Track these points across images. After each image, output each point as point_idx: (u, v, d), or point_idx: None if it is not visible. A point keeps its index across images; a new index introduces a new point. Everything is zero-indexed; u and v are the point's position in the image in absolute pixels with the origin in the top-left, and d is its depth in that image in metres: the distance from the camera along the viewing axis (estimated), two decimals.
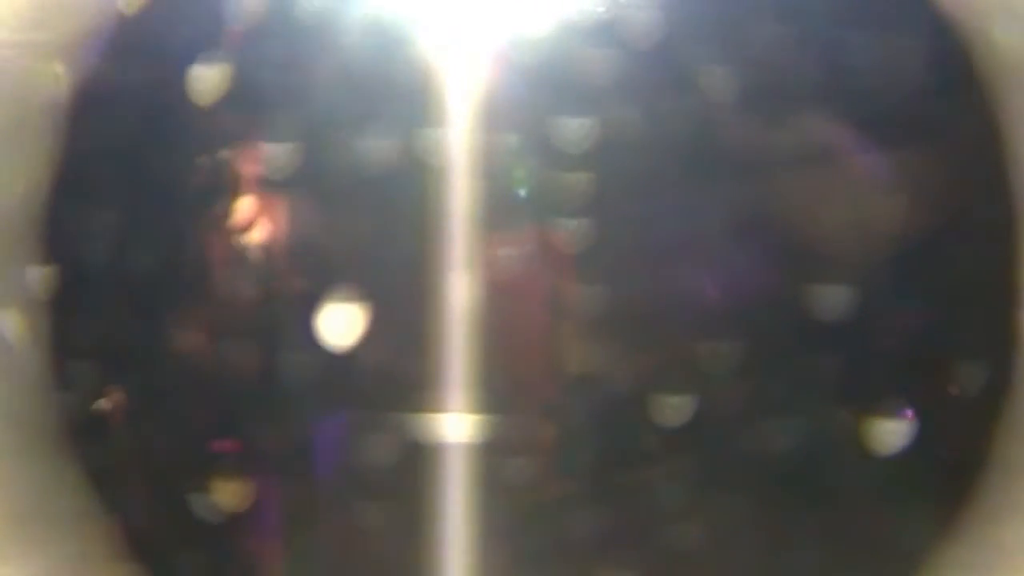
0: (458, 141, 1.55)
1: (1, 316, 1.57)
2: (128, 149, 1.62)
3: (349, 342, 1.58)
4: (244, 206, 1.74)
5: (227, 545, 1.68)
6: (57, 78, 1.55)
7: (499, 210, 1.64)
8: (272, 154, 1.68)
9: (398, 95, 1.58)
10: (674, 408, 1.58)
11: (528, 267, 1.75)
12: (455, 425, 1.57)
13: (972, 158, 1.47)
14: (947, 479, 1.49)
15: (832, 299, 1.48)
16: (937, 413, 1.53)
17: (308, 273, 1.69)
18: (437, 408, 1.55)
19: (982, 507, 1.37)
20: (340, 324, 1.61)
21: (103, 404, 1.65)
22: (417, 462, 1.53)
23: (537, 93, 1.60)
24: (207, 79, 1.63)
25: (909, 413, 1.53)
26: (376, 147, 1.63)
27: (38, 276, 1.58)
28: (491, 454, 1.61)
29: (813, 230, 1.54)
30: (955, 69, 1.39)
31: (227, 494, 1.65)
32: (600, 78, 1.57)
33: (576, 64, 1.58)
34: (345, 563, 1.65)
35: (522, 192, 1.73)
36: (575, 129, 1.59)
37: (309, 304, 1.64)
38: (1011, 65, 1.36)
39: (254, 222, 1.74)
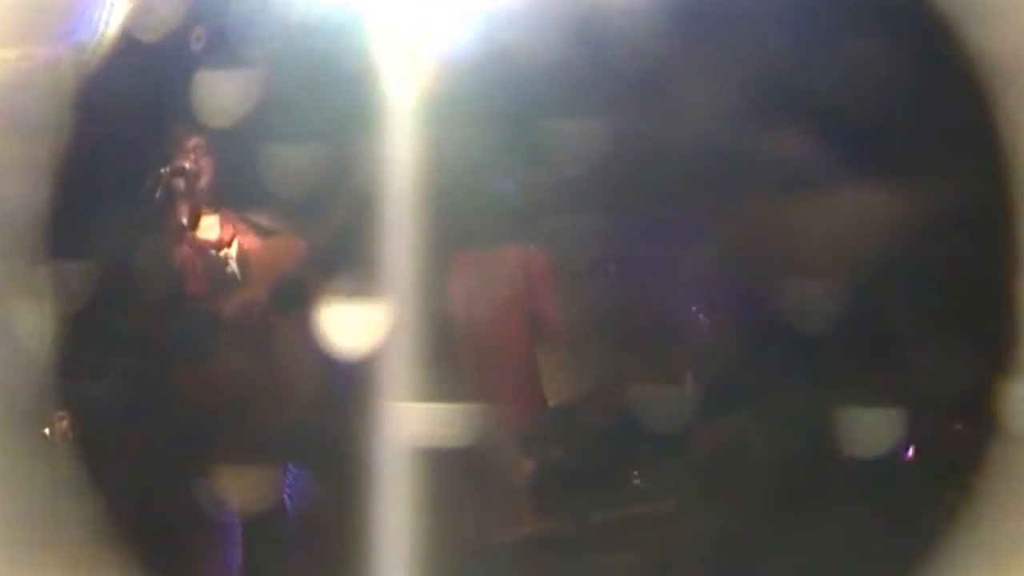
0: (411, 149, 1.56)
1: (8, 314, 1.57)
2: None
3: (357, 343, 1.59)
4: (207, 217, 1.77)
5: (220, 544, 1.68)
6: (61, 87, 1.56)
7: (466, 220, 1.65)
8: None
9: (350, 103, 1.58)
10: (663, 410, 1.59)
11: (502, 276, 1.76)
12: (431, 420, 1.58)
13: (969, 163, 1.48)
14: (945, 480, 1.50)
15: (829, 302, 1.48)
16: (936, 416, 1.54)
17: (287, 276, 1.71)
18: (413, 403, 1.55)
19: (980, 507, 1.38)
20: (351, 326, 1.61)
21: (51, 429, 1.65)
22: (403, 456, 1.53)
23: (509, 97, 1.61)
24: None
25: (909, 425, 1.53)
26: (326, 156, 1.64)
27: (46, 274, 1.58)
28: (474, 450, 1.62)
29: (805, 237, 1.54)
30: (952, 74, 1.41)
31: (227, 493, 1.65)
32: (582, 82, 1.58)
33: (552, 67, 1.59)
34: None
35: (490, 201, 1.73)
36: (554, 134, 1.59)
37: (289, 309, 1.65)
38: (1008, 69, 1.37)
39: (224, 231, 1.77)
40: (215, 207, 1.85)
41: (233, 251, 1.86)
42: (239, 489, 1.62)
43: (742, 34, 1.47)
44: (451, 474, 1.61)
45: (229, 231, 1.88)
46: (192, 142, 1.83)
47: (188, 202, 1.85)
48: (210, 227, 1.87)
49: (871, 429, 1.47)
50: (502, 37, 1.56)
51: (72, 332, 1.56)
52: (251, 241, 1.85)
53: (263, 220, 1.80)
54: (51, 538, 1.45)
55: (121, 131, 1.61)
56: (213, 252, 1.84)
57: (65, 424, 1.67)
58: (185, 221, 1.83)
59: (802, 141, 1.49)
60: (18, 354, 1.50)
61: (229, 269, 1.86)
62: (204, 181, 1.85)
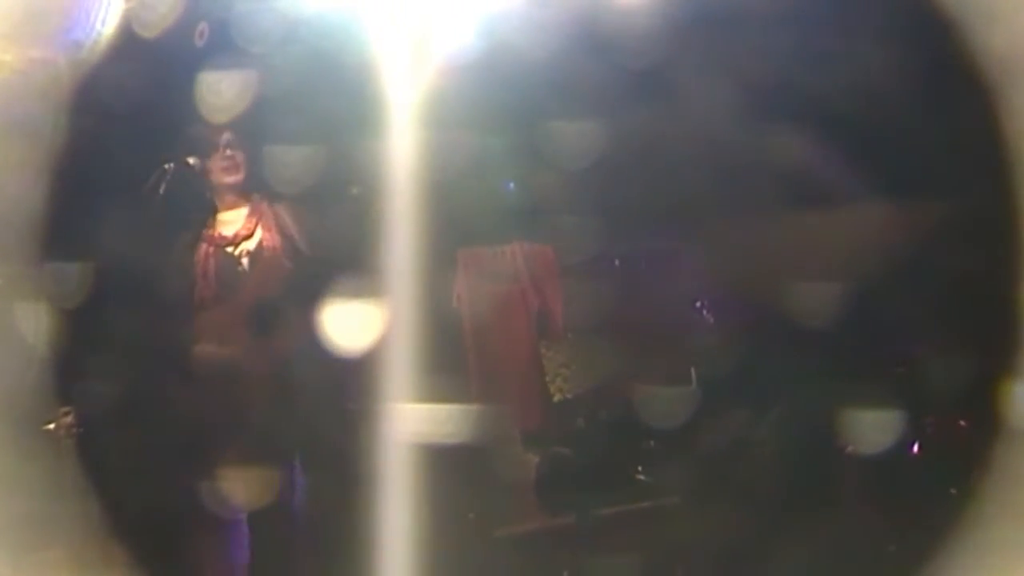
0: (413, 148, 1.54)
1: (9, 314, 1.57)
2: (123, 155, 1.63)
3: (357, 341, 1.58)
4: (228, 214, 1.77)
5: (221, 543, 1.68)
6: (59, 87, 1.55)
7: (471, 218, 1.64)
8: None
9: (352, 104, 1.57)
10: (668, 406, 1.58)
11: (508, 271, 1.75)
12: (437, 418, 1.58)
13: (973, 166, 1.46)
14: (949, 479, 1.49)
15: (834, 303, 1.47)
16: (939, 416, 1.53)
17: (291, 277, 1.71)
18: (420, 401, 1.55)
19: (981, 507, 1.37)
20: (349, 324, 1.61)
21: (54, 425, 1.66)
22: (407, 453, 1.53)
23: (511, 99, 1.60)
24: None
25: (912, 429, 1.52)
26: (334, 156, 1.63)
27: (45, 276, 1.58)
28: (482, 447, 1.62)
29: (810, 236, 1.53)
30: (953, 73, 1.39)
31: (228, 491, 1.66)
32: (581, 85, 1.57)
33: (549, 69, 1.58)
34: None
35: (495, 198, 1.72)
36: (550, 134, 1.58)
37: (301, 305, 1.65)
38: (1009, 67, 1.35)
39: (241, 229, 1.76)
40: (247, 197, 1.85)
41: (251, 244, 1.86)
42: (242, 487, 1.63)
43: (743, 36, 1.46)
44: (456, 471, 1.61)
45: (252, 223, 1.88)
46: (202, 137, 1.84)
47: (202, 198, 1.86)
48: (232, 220, 1.88)
49: (875, 429, 1.46)
50: (508, 37, 1.55)
51: (74, 331, 1.56)
52: (273, 238, 1.85)
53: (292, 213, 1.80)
54: (53, 538, 1.45)
55: (122, 129, 1.60)
56: (228, 249, 1.85)
57: (69, 420, 1.68)
58: (200, 219, 1.83)
59: (804, 140, 1.48)
60: (19, 354, 1.50)
61: (240, 268, 1.87)
62: (215, 175, 1.86)
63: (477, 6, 1.66)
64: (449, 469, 1.60)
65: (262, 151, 1.72)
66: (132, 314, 1.63)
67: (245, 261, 1.87)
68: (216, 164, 1.85)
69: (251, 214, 1.89)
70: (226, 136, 1.85)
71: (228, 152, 1.85)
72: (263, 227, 1.89)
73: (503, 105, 1.59)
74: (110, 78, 1.58)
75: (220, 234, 1.88)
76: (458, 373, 1.71)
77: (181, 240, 1.79)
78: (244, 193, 1.86)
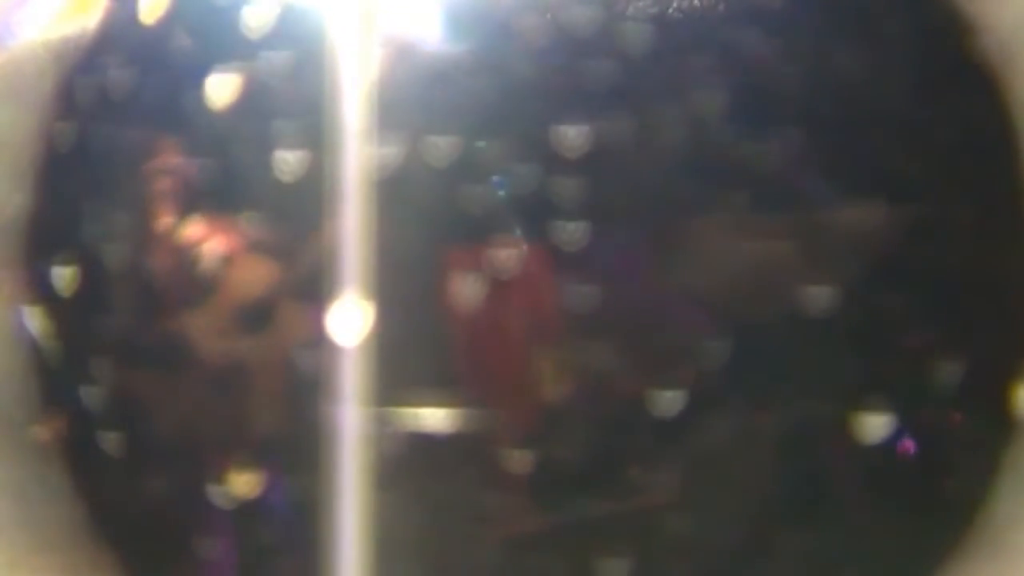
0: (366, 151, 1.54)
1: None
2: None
3: (344, 342, 1.58)
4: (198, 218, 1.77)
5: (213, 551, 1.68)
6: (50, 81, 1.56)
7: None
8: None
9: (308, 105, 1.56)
10: (663, 404, 1.58)
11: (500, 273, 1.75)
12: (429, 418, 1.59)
13: (977, 156, 1.47)
14: (953, 481, 1.50)
15: (834, 300, 1.48)
16: (944, 417, 1.53)
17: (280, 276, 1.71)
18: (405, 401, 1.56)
19: (989, 510, 1.38)
20: (346, 323, 1.60)
21: (40, 431, 1.65)
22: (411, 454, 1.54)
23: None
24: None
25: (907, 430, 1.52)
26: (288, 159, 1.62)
27: (32, 277, 1.59)
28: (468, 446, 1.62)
29: (804, 233, 1.54)
30: (954, 67, 1.40)
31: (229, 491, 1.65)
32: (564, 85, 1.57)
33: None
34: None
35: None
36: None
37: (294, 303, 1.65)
38: (1013, 58, 1.36)
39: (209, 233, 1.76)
40: (197, 207, 1.86)
41: (207, 249, 1.87)
42: (228, 489, 1.63)
43: (733, 29, 1.46)
44: (450, 472, 1.61)
45: (204, 229, 1.89)
46: (174, 141, 1.84)
47: (174, 202, 1.86)
48: (191, 226, 1.88)
49: (876, 427, 1.46)
50: (496, 35, 1.55)
51: (57, 336, 1.57)
52: (229, 242, 1.85)
53: (248, 226, 1.81)
54: (44, 543, 1.45)
55: (102, 131, 1.61)
56: (189, 252, 1.85)
57: (54, 426, 1.67)
58: (171, 221, 1.83)
59: (802, 138, 1.48)
60: (7, 356, 1.50)
61: (201, 269, 1.87)
62: (188, 180, 1.86)
63: (462, 8, 1.65)
64: (443, 470, 1.60)
65: (233, 153, 1.72)
66: (117, 315, 1.63)
67: (211, 262, 1.88)
68: (159, 167, 1.87)
69: (202, 221, 1.90)
70: (176, 140, 1.86)
71: (172, 156, 1.87)
72: (226, 229, 1.91)
73: (494, 102, 1.58)
74: (94, 76, 1.58)
75: (184, 236, 1.88)
76: (451, 373, 1.71)
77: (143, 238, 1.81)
78: (195, 200, 1.89)
